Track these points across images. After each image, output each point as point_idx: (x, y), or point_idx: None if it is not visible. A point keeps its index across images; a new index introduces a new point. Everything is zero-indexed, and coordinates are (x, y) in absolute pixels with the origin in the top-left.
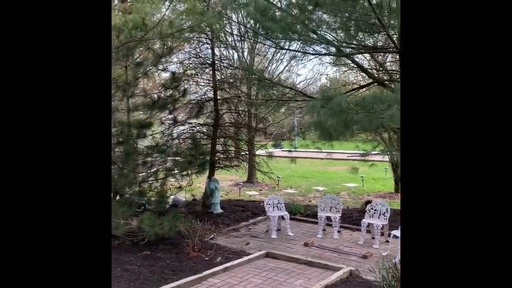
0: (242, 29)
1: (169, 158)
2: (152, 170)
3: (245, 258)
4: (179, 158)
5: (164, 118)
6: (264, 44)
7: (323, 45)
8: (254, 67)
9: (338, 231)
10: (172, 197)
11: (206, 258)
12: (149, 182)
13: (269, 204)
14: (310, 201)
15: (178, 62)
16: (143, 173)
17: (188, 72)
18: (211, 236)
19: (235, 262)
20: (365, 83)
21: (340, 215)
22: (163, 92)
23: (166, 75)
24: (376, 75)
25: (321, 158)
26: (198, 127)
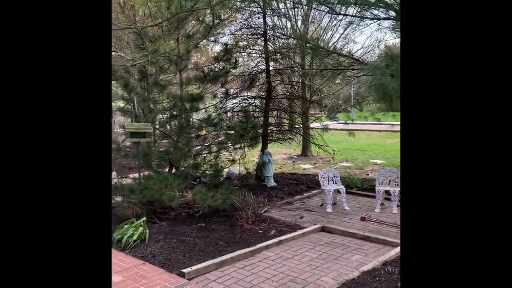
0: None
1: (222, 131)
2: (205, 144)
3: (300, 231)
4: (232, 131)
5: (216, 91)
6: (319, 10)
7: (381, 9)
8: (308, 36)
9: (398, 205)
10: (226, 170)
11: (260, 231)
12: (203, 155)
13: (324, 178)
14: (368, 174)
15: (230, 33)
16: (197, 146)
17: (240, 43)
18: (265, 209)
19: (289, 235)
20: None
21: (400, 188)
22: (214, 64)
23: (218, 47)
24: None
25: (379, 131)
26: (250, 100)
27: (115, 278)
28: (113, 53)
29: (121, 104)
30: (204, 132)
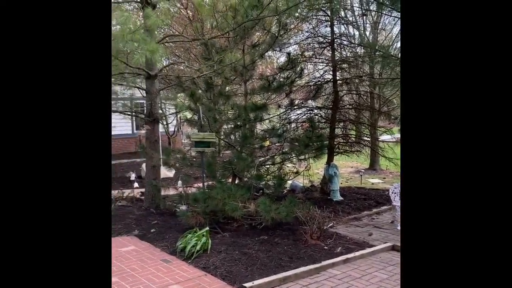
0: (364, 2)
1: (286, 142)
2: (269, 154)
3: (368, 250)
4: (296, 142)
5: (281, 101)
6: (390, 16)
7: None
8: (378, 44)
9: None
10: (289, 182)
11: (325, 247)
12: (266, 166)
13: (395, 193)
14: None
15: (296, 43)
16: (261, 157)
17: (306, 53)
18: (331, 224)
19: (357, 253)
20: None
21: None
22: (279, 74)
23: (283, 57)
24: None
25: None
26: (315, 110)
27: None
28: (181, 67)
29: (188, 114)
30: (268, 143)
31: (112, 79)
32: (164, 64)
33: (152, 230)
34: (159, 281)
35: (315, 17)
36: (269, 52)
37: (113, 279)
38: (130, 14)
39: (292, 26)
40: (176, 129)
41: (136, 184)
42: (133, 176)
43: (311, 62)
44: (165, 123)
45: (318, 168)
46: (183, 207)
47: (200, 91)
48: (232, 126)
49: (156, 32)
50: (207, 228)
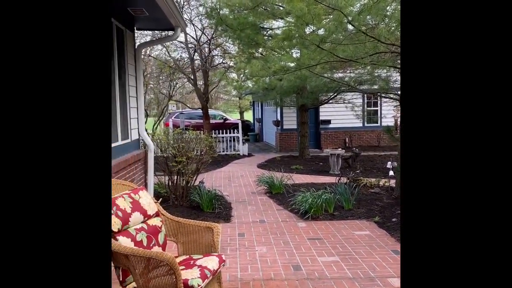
0: None
1: None
2: None
3: None
4: None
5: None
6: None
7: None
8: None
9: None
10: None
11: None
12: None
13: None
14: None
15: None
16: None
17: None
18: None
19: None
20: None
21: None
22: None
23: None
24: None
25: None
26: None
27: (395, 282)
28: None
29: None
30: None
31: (366, 59)
32: None
33: (393, 219)
34: (380, 271)
35: None
36: None
37: (333, 258)
38: None
39: None
40: None
41: (391, 173)
42: (389, 164)
43: None
44: None
45: None
46: None
47: None
48: None
49: None
50: None
